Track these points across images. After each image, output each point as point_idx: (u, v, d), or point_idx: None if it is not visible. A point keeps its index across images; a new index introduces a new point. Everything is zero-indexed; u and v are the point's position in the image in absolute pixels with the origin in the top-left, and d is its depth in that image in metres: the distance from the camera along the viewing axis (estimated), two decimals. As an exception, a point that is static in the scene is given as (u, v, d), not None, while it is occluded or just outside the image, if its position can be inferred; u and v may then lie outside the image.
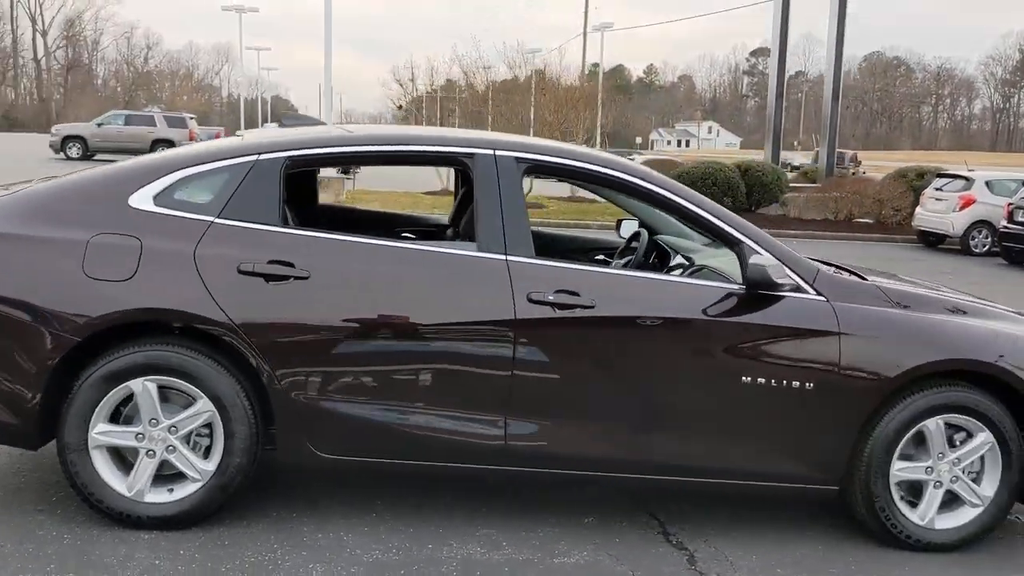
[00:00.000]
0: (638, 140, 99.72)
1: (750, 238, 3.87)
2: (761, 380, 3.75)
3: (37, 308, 3.50)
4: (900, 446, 3.85)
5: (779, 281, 3.70)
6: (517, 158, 3.85)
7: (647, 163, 25.04)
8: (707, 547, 3.83)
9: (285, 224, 3.70)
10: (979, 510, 3.95)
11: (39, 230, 3.57)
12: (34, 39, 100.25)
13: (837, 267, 4.60)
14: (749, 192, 19.68)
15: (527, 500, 4.15)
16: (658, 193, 3.94)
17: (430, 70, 23.60)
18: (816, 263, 3.99)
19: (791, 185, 21.17)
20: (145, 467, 3.58)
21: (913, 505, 3.94)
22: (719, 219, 3.90)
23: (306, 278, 3.60)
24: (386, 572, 3.42)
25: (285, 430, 3.63)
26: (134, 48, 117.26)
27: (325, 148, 3.87)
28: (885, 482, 3.87)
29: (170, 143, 33.25)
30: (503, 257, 3.70)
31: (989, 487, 3.94)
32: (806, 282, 3.85)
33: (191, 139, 33.77)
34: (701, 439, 3.81)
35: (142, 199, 3.65)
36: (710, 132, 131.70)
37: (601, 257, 5.18)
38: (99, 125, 33.89)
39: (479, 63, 23.74)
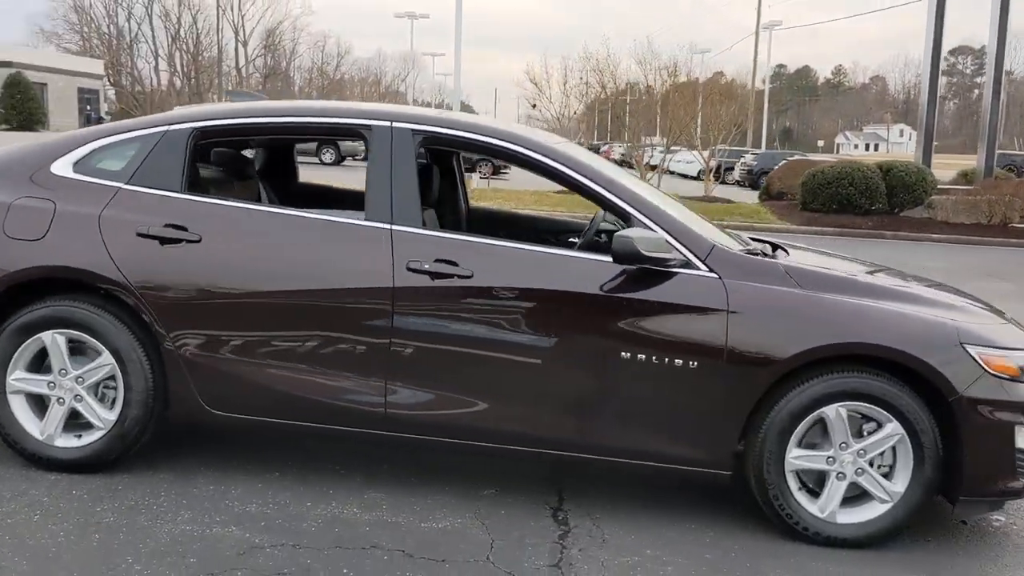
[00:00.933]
0: (820, 143, 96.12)
1: (642, 212, 3.79)
2: (641, 356, 3.66)
3: None
4: (797, 433, 3.67)
5: (651, 254, 3.59)
6: (413, 130, 3.93)
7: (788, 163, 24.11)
8: (590, 524, 3.78)
9: (188, 191, 3.92)
10: (887, 506, 3.71)
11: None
12: (236, 49, 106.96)
13: (777, 246, 4.43)
14: (891, 193, 18.65)
15: (438, 469, 4.20)
16: (551, 166, 3.91)
17: (565, 70, 23.34)
18: (715, 239, 3.84)
19: (940, 187, 19.88)
20: (56, 413, 3.89)
21: (816, 496, 3.73)
22: (611, 192, 3.84)
23: (197, 242, 3.81)
24: (246, 522, 3.58)
25: (177, 386, 3.85)
26: (327, 56, 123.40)
27: (228, 120, 4.07)
28: (780, 470, 3.69)
29: (335, 144, 34.87)
30: (387, 226, 3.78)
31: (900, 483, 3.69)
32: (698, 258, 3.72)
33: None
34: (581, 414, 3.76)
35: (63, 166, 3.97)
36: (901, 135, 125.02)
37: (574, 240, 5.15)
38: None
39: (655, 64, 23.40)
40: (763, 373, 3.64)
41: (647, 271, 3.68)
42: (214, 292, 3.82)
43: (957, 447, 3.65)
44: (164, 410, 3.91)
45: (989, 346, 3.69)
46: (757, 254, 3.94)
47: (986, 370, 3.64)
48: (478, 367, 3.75)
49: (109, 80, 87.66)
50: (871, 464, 3.70)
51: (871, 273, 4.27)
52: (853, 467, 3.69)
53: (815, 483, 3.76)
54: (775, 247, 4.46)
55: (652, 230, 3.73)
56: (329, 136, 4.64)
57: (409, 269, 3.72)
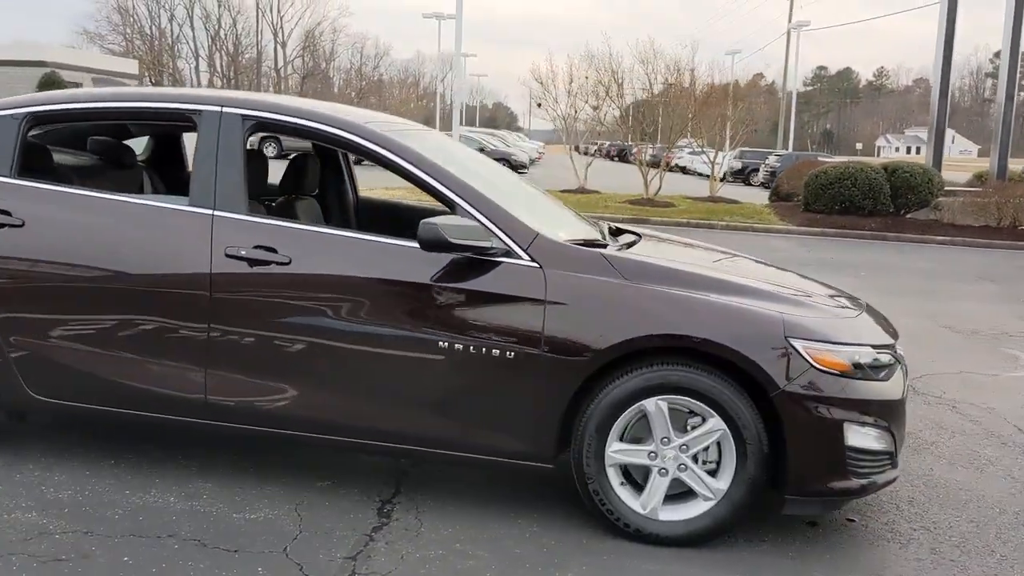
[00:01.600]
0: (859, 146, 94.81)
1: (464, 199, 3.70)
2: (459, 346, 3.58)
3: None
4: (618, 426, 3.57)
5: (458, 242, 3.50)
6: (243, 115, 3.87)
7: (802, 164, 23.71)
8: (412, 518, 3.70)
9: (20, 176, 3.91)
10: (710, 504, 3.58)
11: None
12: (275, 50, 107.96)
13: (637, 237, 4.34)
14: (896, 195, 18.27)
15: (279, 461, 4.15)
16: (370, 148, 3.84)
17: (570, 67, 23.08)
18: (541, 229, 3.72)
19: (949, 189, 19.43)
20: None
21: (640, 492, 3.63)
22: (434, 178, 3.75)
23: (20, 226, 3.79)
24: (50, 508, 3.56)
25: (2, 370, 3.84)
26: (365, 58, 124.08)
27: (61, 104, 4.05)
28: (600, 463, 3.59)
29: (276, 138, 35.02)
30: (209, 212, 3.74)
31: (724, 480, 3.57)
32: (520, 247, 3.63)
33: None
34: (399, 404, 3.69)
35: None
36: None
37: None
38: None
39: (688, 64, 23.12)
40: (580, 364, 3.54)
41: (469, 260, 3.59)
42: (36, 277, 3.80)
43: (782, 444, 3.53)
44: None
45: (818, 340, 3.56)
46: (589, 244, 3.83)
47: (812, 365, 3.51)
48: (295, 355, 3.69)
49: (150, 80, 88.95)
50: (695, 460, 3.59)
51: (717, 264, 4.15)
52: (675, 463, 3.58)
53: (643, 479, 3.65)
54: (633, 237, 4.36)
55: (474, 217, 3.65)
56: (160, 122, 4.60)
57: (227, 255, 3.68)
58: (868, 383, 3.62)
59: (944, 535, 3.86)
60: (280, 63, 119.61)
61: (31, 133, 4.05)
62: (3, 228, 3.79)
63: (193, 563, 3.21)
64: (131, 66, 68.35)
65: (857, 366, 3.59)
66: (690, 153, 38.85)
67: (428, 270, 3.61)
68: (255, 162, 4.14)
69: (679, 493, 3.63)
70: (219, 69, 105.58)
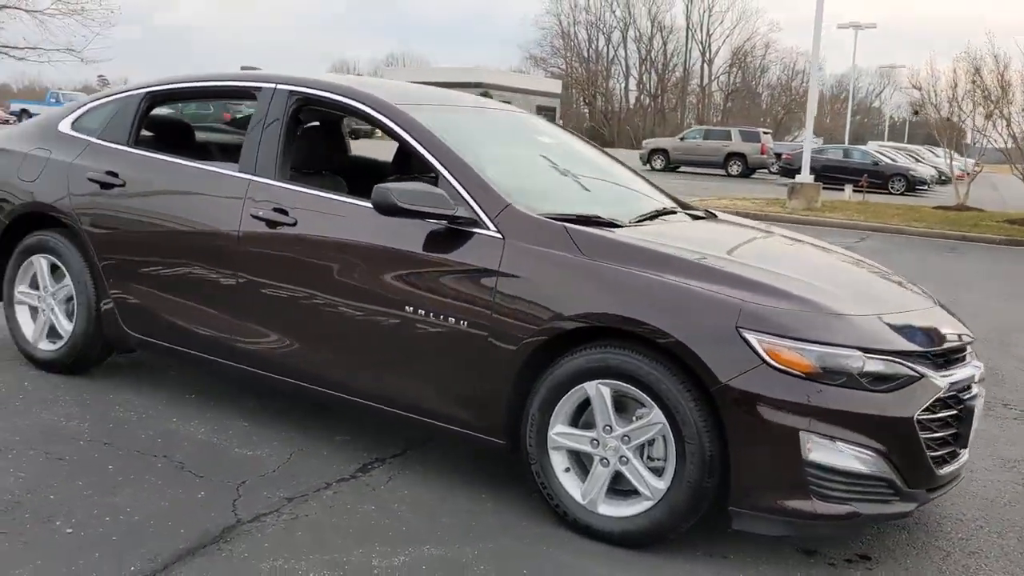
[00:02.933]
0: None
1: (447, 168, 3.74)
2: (421, 312, 3.64)
3: None
4: (561, 408, 3.40)
5: (408, 207, 3.53)
6: (290, 91, 4.24)
7: None
8: (380, 478, 3.81)
9: (132, 145, 4.63)
10: (649, 504, 3.28)
11: (14, 146, 5.01)
12: (701, 68, 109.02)
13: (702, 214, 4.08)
14: None
15: (312, 412, 4.46)
16: (382, 121, 4.01)
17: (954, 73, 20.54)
18: (517, 200, 3.64)
19: None
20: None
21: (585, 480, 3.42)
22: (424, 148, 3.83)
23: (122, 186, 4.49)
24: (101, 423, 4.18)
25: (104, 304, 4.57)
26: (795, 72, 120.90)
27: (170, 85, 4.71)
28: (542, 446, 3.45)
29: (742, 156, 34.64)
30: (248, 177, 4.16)
31: (665, 480, 3.25)
32: (488, 217, 3.60)
33: (762, 152, 34.68)
34: (368, 363, 3.83)
35: (65, 124, 4.88)
36: None
37: None
38: (681, 139, 36.64)
39: None
40: (524, 339, 3.43)
41: (447, 229, 3.63)
42: (130, 229, 4.48)
43: (725, 447, 3.14)
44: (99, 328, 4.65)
45: (779, 335, 3.11)
46: (565, 219, 3.64)
47: (765, 360, 3.09)
48: (295, 309, 3.97)
49: (584, 100, 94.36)
50: (641, 454, 3.31)
51: (740, 249, 3.77)
52: (616, 454, 3.32)
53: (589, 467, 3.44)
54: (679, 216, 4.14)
55: (452, 186, 3.68)
56: (229, 97, 5.11)
57: (252, 216, 4.07)
58: (849, 392, 3.10)
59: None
60: (705, 80, 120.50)
61: (150, 109, 4.77)
62: (112, 188, 4.52)
63: (156, 480, 3.62)
64: (554, 86, 73.15)
65: (830, 370, 3.09)
66: None
67: (405, 236, 3.71)
68: (315, 136, 4.50)
69: (628, 490, 3.36)
70: (647, 88, 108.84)
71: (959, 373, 3.44)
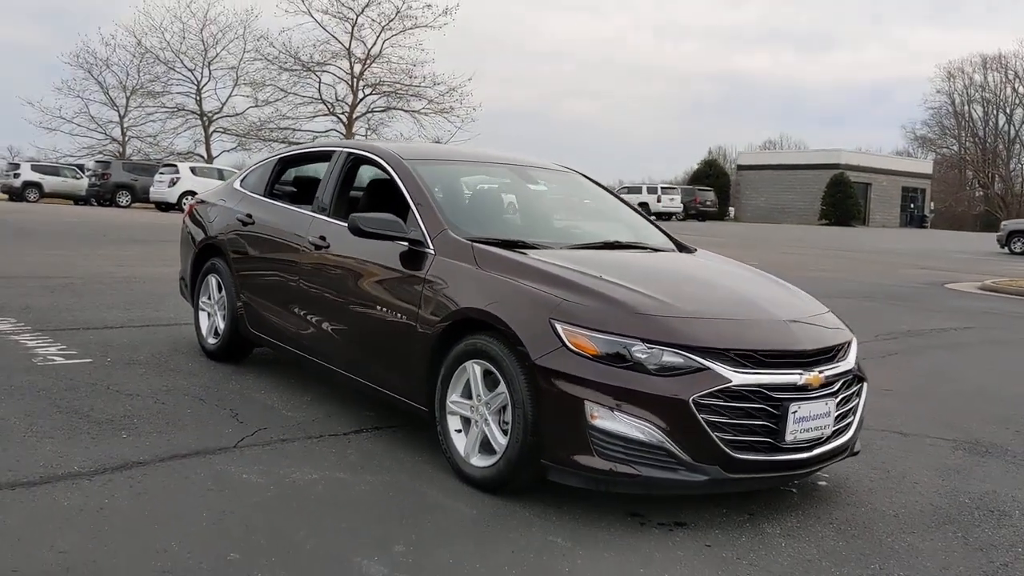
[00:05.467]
0: None
1: (413, 201, 5.02)
2: (384, 309, 4.89)
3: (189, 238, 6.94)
4: (455, 381, 4.41)
5: (371, 230, 4.81)
6: (347, 153, 5.75)
7: None
8: (345, 444, 5.04)
9: (266, 195, 6.37)
10: (496, 458, 4.20)
11: (210, 198, 6.99)
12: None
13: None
14: None
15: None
16: (387, 170, 5.38)
17: None
18: (457, 228, 4.79)
19: None
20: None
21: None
22: (407, 189, 5.12)
23: (253, 223, 6.23)
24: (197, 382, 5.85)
25: (235, 307, 6.29)
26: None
27: (293, 152, 6.40)
28: (443, 411, 4.50)
29: None
30: (312, 215, 5.68)
31: (506, 439, 4.17)
32: (429, 238, 4.78)
33: None
34: (360, 349, 5.13)
35: (237, 182, 6.78)
36: None
37: None
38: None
39: None
40: (434, 326, 4.54)
41: (405, 249, 4.84)
42: (253, 254, 6.19)
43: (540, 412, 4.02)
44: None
45: (578, 325, 3.97)
46: (488, 242, 4.70)
47: (565, 344, 3.96)
48: (324, 308, 5.39)
49: (978, 183, 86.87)
50: (499, 420, 4.25)
51: (615, 266, 4.63)
52: (482, 417, 4.31)
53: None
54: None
55: (415, 217, 4.92)
56: (325, 159, 6.49)
57: (309, 242, 5.58)
58: (629, 372, 3.87)
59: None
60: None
61: (283, 170, 6.51)
62: (247, 225, 6.28)
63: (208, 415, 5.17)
64: (924, 166, 69.39)
65: (611, 355, 3.89)
66: None
67: (386, 254, 4.97)
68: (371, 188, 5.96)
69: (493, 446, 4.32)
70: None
71: (775, 377, 4.02)
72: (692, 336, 3.99)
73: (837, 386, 4.25)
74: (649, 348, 3.89)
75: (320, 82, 44.95)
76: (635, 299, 4.16)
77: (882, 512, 4.37)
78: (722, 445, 3.89)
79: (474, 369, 4.33)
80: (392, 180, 5.33)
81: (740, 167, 69.60)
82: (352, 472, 4.47)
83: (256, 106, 46.10)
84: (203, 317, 6.80)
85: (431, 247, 4.76)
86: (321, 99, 45.29)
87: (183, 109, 47.30)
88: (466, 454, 4.37)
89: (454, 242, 4.72)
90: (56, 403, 5.26)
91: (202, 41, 46.69)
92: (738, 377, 3.92)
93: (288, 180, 6.77)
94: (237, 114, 46.91)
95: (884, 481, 4.85)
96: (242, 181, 6.82)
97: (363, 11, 43.83)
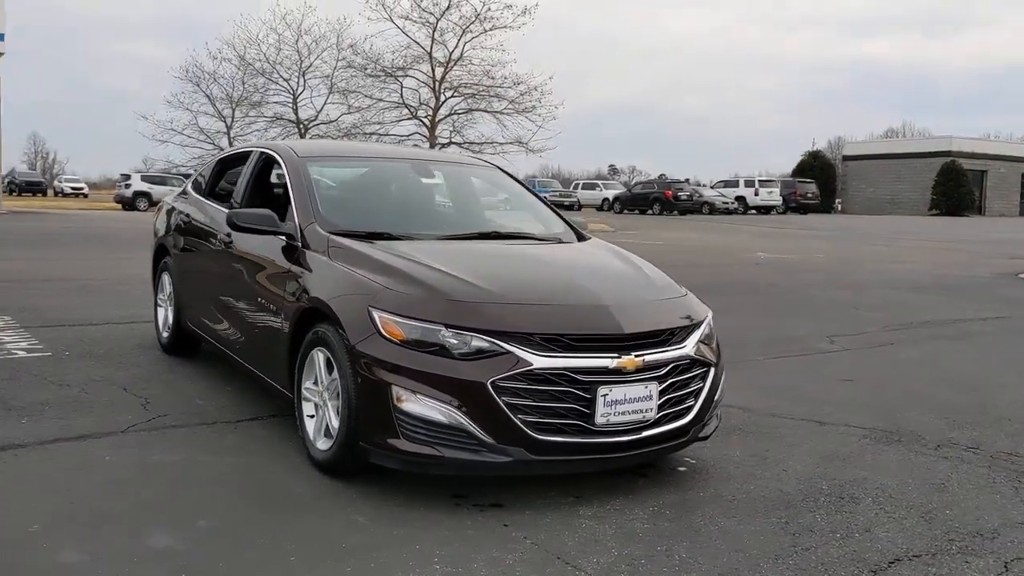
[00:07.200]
0: None
1: (294, 196, 5.24)
2: (263, 300, 5.15)
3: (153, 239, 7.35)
4: (307, 368, 4.60)
5: (243, 224, 5.06)
6: (259, 152, 6.02)
7: None
8: (260, 429, 5.31)
9: (207, 196, 6.70)
10: (331, 441, 4.37)
11: (171, 202, 7.39)
12: None
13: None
14: None
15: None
16: (281, 165, 5.61)
17: None
18: (323, 221, 4.97)
19: None
20: (164, 318, 7.08)
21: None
22: (291, 184, 5.34)
23: (189, 222, 6.58)
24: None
25: (180, 306, 6.65)
26: None
27: (226, 154, 6.69)
28: (299, 396, 4.70)
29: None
30: (226, 209, 5.96)
31: (338, 422, 4.33)
32: (300, 231, 4.98)
33: None
34: (245, 335, 5.39)
35: (191, 185, 7.15)
36: None
37: None
38: None
39: None
40: (291, 316, 4.74)
41: (284, 243, 5.05)
42: (188, 249, 6.54)
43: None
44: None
45: (390, 312, 4.11)
46: (351, 235, 4.87)
47: (378, 330, 4.11)
48: (230, 302, 5.68)
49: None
50: (337, 403, 4.40)
51: (464, 258, 4.71)
52: (324, 403, 4.48)
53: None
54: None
55: (292, 211, 5.14)
56: (246, 161, 6.71)
57: (219, 239, 5.87)
58: (431, 357, 3.99)
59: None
60: None
61: (219, 172, 6.84)
62: (186, 224, 6.65)
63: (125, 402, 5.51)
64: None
65: (416, 340, 4.02)
66: None
67: (270, 247, 5.19)
68: (262, 180, 6.16)
69: (339, 430, 4.49)
70: None
71: (583, 361, 4.06)
72: (497, 321, 4.07)
73: (664, 370, 4.25)
74: (456, 333, 3.99)
75: (402, 87, 45.87)
76: (451, 285, 4.26)
77: (718, 496, 4.35)
78: (524, 427, 3.96)
79: (318, 357, 4.50)
80: (282, 175, 5.56)
81: (846, 157, 67.37)
82: (217, 455, 4.71)
83: (349, 112, 47.34)
84: (160, 313, 7.19)
85: (299, 240, 4.96)
86: (404, 103, 46.17)
87: (281, 118, 48.95)
88: (314, 438, 4.55)
89: (316, 235, 4.91)
90: (-12, 391, 5.70)
91: (297, 52, 48.17)
92: (540, 360, 3.98)
93: (225, 181, 7.12)
94: (331, 121, 48.23)
95: (752, 467, 4.81)
96: (192, 183, 7.18)
97: (443, 15, 44.43)
